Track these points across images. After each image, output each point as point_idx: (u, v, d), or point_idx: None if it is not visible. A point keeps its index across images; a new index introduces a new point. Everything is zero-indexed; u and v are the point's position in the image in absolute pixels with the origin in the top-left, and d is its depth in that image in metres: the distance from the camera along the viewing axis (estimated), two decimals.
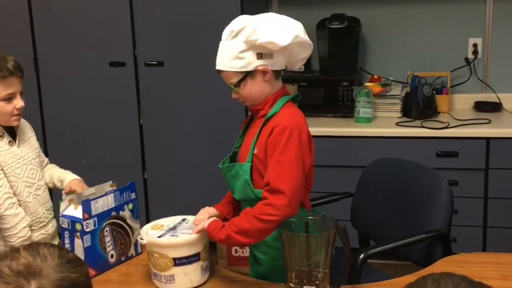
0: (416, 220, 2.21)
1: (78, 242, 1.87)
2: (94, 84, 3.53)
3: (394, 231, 2.30)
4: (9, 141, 2.05)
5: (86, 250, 1.87)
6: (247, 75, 1.81)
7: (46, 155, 3.67)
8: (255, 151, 1.82)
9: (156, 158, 3.57)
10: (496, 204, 3.14)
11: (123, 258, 2.00)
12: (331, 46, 3.44)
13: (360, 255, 1.95)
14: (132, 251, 2.03)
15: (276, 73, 1.85)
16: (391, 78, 3.57)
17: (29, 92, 3.56)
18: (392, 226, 2.32)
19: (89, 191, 1.98)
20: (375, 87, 3.41)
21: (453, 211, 2.17)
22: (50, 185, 2.18)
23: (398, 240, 2.11)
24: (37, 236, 2.05)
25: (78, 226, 1.87)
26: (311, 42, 1.86)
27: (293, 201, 1.72)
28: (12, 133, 2.08)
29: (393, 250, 2.12)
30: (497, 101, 3.47)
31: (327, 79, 3.44)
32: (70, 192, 2.04)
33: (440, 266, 1.89)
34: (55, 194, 2.27)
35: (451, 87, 3.51)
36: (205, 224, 1.82)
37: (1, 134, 2.03)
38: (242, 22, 1.80)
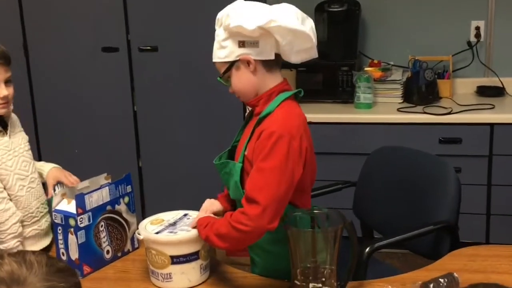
0: (422, 210, 2.14)
1: (72, 238, 1.79)
2: (86, 70, 3.43)
3: (399, 221, 2.23)
4: (0, 132, 1.95)
5: (80, 246, 1.79)
6: (231, 65, 1.70)
7: (37, 144, 3.61)
8: (246, 152, 1.70)
9: (151, 146, 3.49)
10: (499, 192, 3.08)
11: (119, 254, 1.92)
12: (330, 30, 3.36)
13: (365, 248, 1.87)
14: (128, 246, 1.95)
15: (266, 64, 1.69)
16: (392, 63, 3.48)
17: (19, 79, 3.45)
18: (396, 217, 2.25)
19: (82, 185, 1.89)
20: (376, 72, 3.33)
21: None
22: None
23: (404, 232, 2.03)
24: (30, 232, 1.95)
25: (71, 222, 1.78)
26: (305, 30, 1.66)
27: (268, 212, 1.56)
28: (3, 124, 1.98)
29: (399, 242, 2.05)
30: (500, 85, 3.39)
31: (326, 64, 3.34)
32: (57, 184, 1.94)
33: (451, 259, 1.82)
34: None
35: (453, 71, 3.43)
36: (197, 219, 1.74)
37: None
38: (226, 8, 1.68)
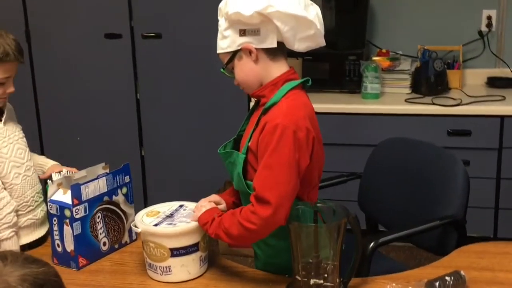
0: (428, 204, 2.08)
1: (67, 229, 1.74)
2: (88, 57, 3.38)
3: (404, 215, 2.17)
4: None
5: (76, 237, 1.74)
6: (233, 55, 1.64)
7: (39, 132, 3.57)
8: (250, 143, 1.64)
9: (154, 135, 3.44)
10: (509, 185, 3.02)
11: (116, 246, 1.87)
12: (338, 18, 3.28)
13: (369, 244, 1.82)
14: (126, 238, 1.90)
15: (269, 53, 1.63)
16: (400, 52, 3.41)
17: (21, 66, 3.41)
18: (402, 211, 2.19)
19: (79, 174, 1.84)
20: (384, 62, 3.26)
21: None
22: None
23: (410, 227, 1.98)
24: (25, 221, 1.91)
25: (67, 213, 1.73)
26: (308, 16, 1.60)
27: (280, 211, 1.52)
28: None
29: (404, 237, 1.99)
30: (511, 76, 3.31)
31: (333, 53, 3.28)
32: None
33: (458, 256, 1.76)
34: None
35: (463, 61, 3.35)
36: (199, 213, 1.67)
37: None
38: None
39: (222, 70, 1.70)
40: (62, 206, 1.74)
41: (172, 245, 1.65)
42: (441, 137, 2.97)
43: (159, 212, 1.75)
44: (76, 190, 1.73)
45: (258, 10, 1.56)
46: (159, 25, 3.26)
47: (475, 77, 3.38)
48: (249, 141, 1.65)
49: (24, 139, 1.99)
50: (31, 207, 1.93)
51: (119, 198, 1.86)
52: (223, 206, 1.77)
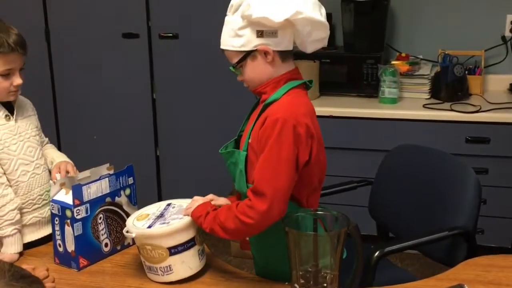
0: (439, 214, 2.03)
1: (68, 229, 1.74)
2: (106, 56, 3.39)
3: (414, 224, 2.12)
4: (6, 115, 1.91)
5: (77, 238, 1.73)
6: (247, 55, 1.62)
7: (57, 130, 3.60)
8: (250, 140, 1.64)
9: (169, 135, 3.43)
10: None
11: (118, 247, 1.86)
12: (357, 21, 3.23)
13: (374, 253, 1.77)
14: (129, 239, 1.89)
15: (283, 55, 1.64)
16: (420, 56, 3.35)
17: (41, 65, 3.45)
18: (412, 219, 2.14)
19: (83, 175, 1.84)
20: (402, 66, 3.20)
21: (482, 201, 1.98)
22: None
23: (418, 236, 1.93)
24: (30, 219, 1.91)
25: (68, 213, 1.73)
26: (323, 20, 1.63)
27: (276, 205, 1.53)
28: (10, 108, 1.94)
29: (412, 247, 1.94)
30: None
31: (351, 56, 3.24)
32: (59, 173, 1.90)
33: (464, 268, 1.71)
34: None
35: (485, 67, 3.28)
36: (193, 207, 1.67)
37: None
38: None
39: (232, 68, 1.68)
40: (63, 206, 1.74)
41: (169, 244, 1.64)
42: (459, 144, 2.91)
43: (148, 215, 1.73)
44: (77, 191, 1.72)
45: (287, 17, 1.56)
46: (176, 25, 3.25)
47: (497, 83, 3.30)
48: (248, 138, 1.65)
49: (37, 137, 1.98)
50: (37, 205, 1.93)
51: (122, 199, 1.86)
52: (219, 201, 1.75)
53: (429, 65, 3.30)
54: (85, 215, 1.75)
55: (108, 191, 1.81)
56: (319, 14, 1.61)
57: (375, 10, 3.23)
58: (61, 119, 3.53)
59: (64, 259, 1.77)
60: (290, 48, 1.64)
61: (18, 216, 1.84)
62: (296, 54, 1.70)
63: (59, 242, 1.78)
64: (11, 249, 1.83)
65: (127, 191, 1.87)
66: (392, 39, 3.43)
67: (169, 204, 1.79)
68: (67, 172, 1.93)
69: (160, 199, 3.49)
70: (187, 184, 3.42)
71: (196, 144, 3.40)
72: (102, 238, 1.81)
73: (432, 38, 3.36)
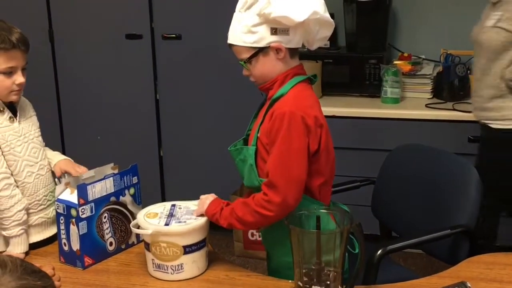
0: (441, 213, 2.04)
1: (73, 228, 1.75)
2: (109, 57, 3.41)
3: (416, 223, 2.14)
4: (10, 117, 1.92)
5: (82, 237, 1.75)
6: (259, 51, 1.67)
7: (61, 131, 3.61)
8: (259, 135, 1.69)
9: (173, 136, 3.45)
10: None
11: (123, 246, 1.88)
12: (359, 21, 3.24)
13: (376, 251, 1.79)
14: (133, 238, 1.91)
15: (292, 51, 1.71)
16: (423, 56, 3.36)
17: (45, 65, 3.47)
18: (415, 218, 2.15)
19: (87, 174, 1.85)
20: (405, 66, 3.21)
21: None
22: None
23: (420, 234, 1.95)
24: (36, 220, 1.92)
25: (73, 212, 1.74)
26: (332, 20, 1.71)
27: (291, 196, 1.61)
28: (13, 109, 1.95)
29: (414, 245, 1.95)
30: None
31: (353, 56, 3.25)
32: (63, 174, 1.91)
33: (467, 266, 1.72)
34: None
35: None
36: (204, 206, 1.72)
37: (1, 109, 1.90)
38: None
39: (243, 63, 1.71)
40: (68, 206, 1.76)
41: (185, 242, 1.67)
42: (462, 143, 2.91)
43: (157, 214, 1.75)
44: (82, 190, 1.74)
45: (307, 17, 1.62)
46: (179, 26, 3.27)
47: None
48: (257, 133, 1.69)
49: (40, 138, 2.00)
50: (43, 206, 1.94)
51: (126, 198, 1.87)
52: None
53: (432, 65, 3.31)
54: (90, 214, 1.76)
55: (112, 190, 1.82)
56: (328, 14, 1.69)
57: (377, 10, 3.24)
58: (65, 120, 3.55)
59: (69, 258, 1.79)
60: (300, 45, 1.71)
61: (25, 217, 1.86)
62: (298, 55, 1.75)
63: (64, 241, 1.79)
64: (18, 249, 1.85)
65: (132, 191, 1.89)
66: (394, 39, 3.44)
67: (174, 205, 1.81)
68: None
69: (163, 199, 3.50)
70: (191, 184, 3.43)
71: (199, 144, 3.41)
72: (107, 237, 1.82)
73: (434, 38, 3.37)
